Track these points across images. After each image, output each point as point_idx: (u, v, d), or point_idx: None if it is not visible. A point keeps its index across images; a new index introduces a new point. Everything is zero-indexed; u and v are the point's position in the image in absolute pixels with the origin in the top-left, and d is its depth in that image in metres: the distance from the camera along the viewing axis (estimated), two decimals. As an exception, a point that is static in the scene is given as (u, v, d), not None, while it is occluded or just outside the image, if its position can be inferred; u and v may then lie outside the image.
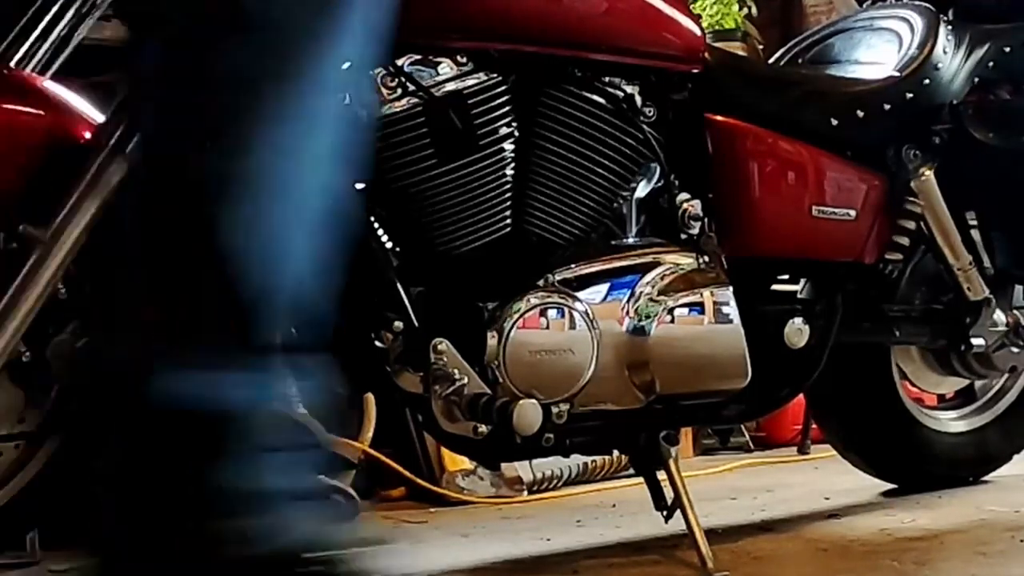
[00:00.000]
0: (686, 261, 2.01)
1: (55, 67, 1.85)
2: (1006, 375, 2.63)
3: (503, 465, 2.99)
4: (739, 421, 2.42)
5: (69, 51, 1.86)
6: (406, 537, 2.49)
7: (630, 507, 2.75)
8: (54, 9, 1.82)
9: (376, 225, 1.84)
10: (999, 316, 2.45)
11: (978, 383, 2.71)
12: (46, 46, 1.80)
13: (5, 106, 1.65)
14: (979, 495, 2.54)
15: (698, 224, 2.04)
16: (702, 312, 1.99)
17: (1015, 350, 2.46)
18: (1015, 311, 2.50)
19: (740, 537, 2.19)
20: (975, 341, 2.41)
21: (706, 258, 2.03)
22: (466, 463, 2.96)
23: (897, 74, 2.29)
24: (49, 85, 1.76)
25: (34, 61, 1.80)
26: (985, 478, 2.72)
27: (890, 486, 2.63)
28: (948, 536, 2.08)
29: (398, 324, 1.81)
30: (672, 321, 1.96)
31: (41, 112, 1.68)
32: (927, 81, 2.27)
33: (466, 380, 1.80)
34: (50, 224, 1.60)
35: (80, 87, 1.91)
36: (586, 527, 2.52)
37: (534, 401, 1.81)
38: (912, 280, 2.42)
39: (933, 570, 1.84)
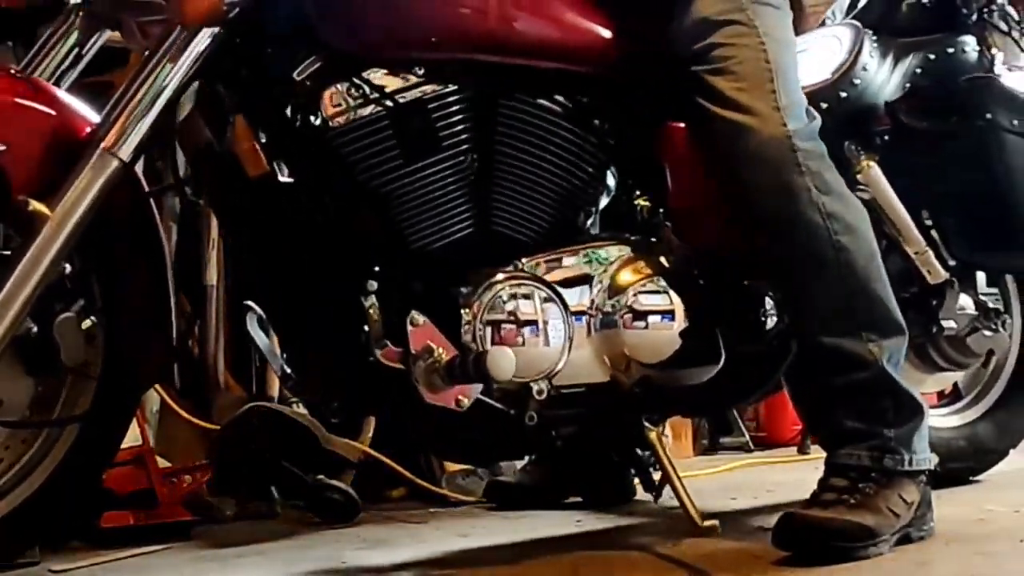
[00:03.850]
0: (649, 252, 2.14)
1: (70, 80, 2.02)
2: (988, 374, 2.75)
3: (503, 465, 2.99)
4: (721, 406, 2.49)
5: (83, 65, 2.03)
6: (406, 537, 2.49)
7: (630, 507, 2.76)
8: (65, 26, 2.00)
9: (351, 223, 1.94)
10: (966, 300, 2.55)
11: (963, 382, 2.78)
12: (59, 59, 1.98)
13: (23, 103, 1.83)
14: (979, 495, 2.54)
15: (655, 219, 2.19)
16: (667, 296, 2.11)
17: (988, 333, 2.56)
18: (983, 296, 2.59)
19: (740, 537, 2.19)
20: (946, 324, 2.51)
21: (667, 249, 2.15)
22: (466, 463, 2.97)
23: (830, 76, 2.44)
24: (59, 92, 1.93)
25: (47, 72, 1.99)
26: (985, 478, 2.73)
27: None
28: (948, 536, 2.07)
29: (373, 302, 1.92)
30: (638, 305, 2.08)
31: (52, 112, 1.84)
32: (857, 81, 2.44)
33: (443, 350, 1.91)
34: (57, 202, 1.72)
35: (80, 87, 2.04)
36: (586, 527, 2.52)
37: (505, 348, 1.91)
38: None
39: (933, 570, 1.84)
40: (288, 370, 2.07)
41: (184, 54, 1.80)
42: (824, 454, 2.12)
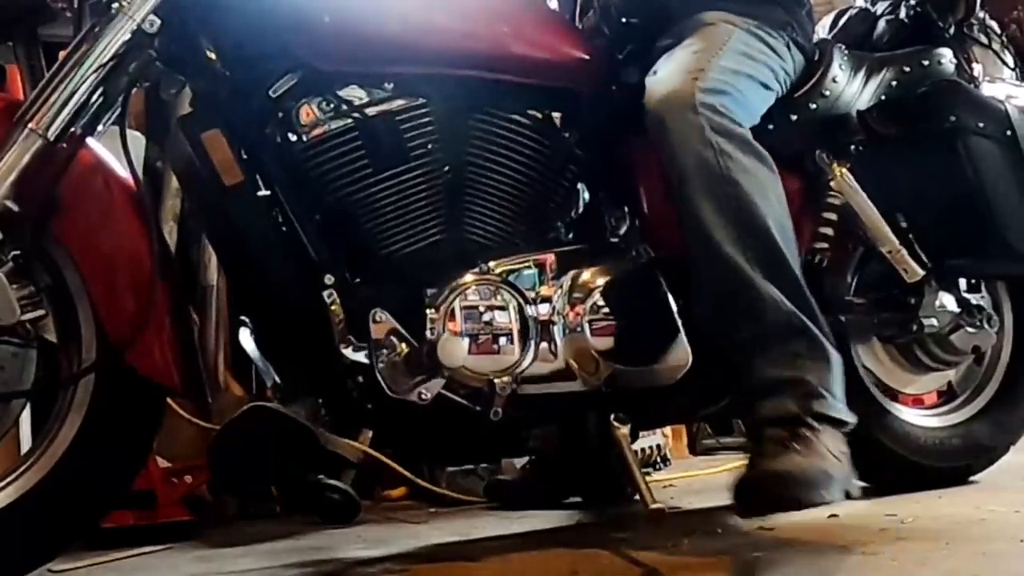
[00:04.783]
0: (616, 257, 2.23)
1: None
2: (982, 372, 2.77)
3: (503, 464, 3.00)
4: (692, 409, 2.52)
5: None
6: (406, 537, 2.50)
7: (630, 507, 2.76)
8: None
9: (317, 230, 2.02)
10: (947, 298, 2.55)
11: (956, 381, 2.79)
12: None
13: None
14: (979, 495, 2.54)
15: (624, 227, 2.26)
16: (634, 296, 2.18)
17: (971, 330, 2.56)
18: (965, 294, 2.59)
19: (740, 537, 2.19)
20: (926, 322, 2.52)
21: (635, 254, 2.22)
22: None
23: (800, 90, 2.45)
24: None
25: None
26: (985, 477, 2.73)
27: (890, 486, 2.63)
28: (948, 536, 2.08)
29: (336, 298, 1.99)
30: (603, 307, 2.15)
31: None
32: (827, 92, 2.45)
33: (404, 346, 1.99)
34: None
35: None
36: (586, 527, 2.52)
37: (456, 336, 2.02)
38: (860, 284, 2.57)
39: (933, 570, 1.84)
40: (278, 380, 2.11)
41: (104, 40, 1.88)
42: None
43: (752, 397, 2.07)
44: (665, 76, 2.16)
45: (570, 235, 2.26)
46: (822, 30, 2.71)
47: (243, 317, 2.19)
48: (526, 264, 2.15)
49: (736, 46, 2.23)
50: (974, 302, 2.59)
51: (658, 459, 3.44)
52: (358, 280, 2.03)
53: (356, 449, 2.87)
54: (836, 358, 2.08)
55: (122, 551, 2.42)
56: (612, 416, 2.18)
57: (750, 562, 1.98)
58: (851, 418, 2.06)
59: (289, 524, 2.73)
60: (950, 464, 2.69)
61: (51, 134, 1.85)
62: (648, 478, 2.97)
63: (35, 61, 2.89)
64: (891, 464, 2.63)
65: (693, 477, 3.25)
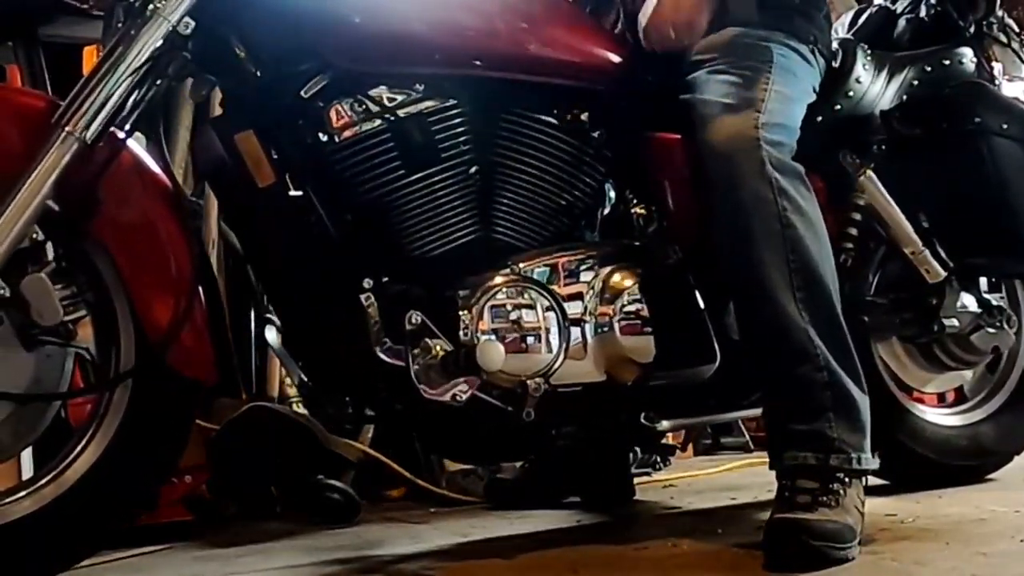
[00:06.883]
0: (644, 257, 2.23)
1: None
2: (995, 379, 2.77)
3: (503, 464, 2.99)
4: (722, 406, 2.51)
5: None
6: (406, 537, 2.49)
7: (630, 507, 2.76)
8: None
9: (349, 231, 2.02)
10: (968, 299, 2.56)
11: (968, 386, 2.79)
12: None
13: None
14: (979, 495, 2.54)
15: (651, 226, 2.26)
16: (662, 296, 2.19)
17: (992, 330, 2.57)
18: (986, 295, 2.60)
19: (740, 537, 2.19)
20: (947, 323, 2.52)
21: (663, 253, 2.22)
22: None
23: (824, 91, 2.43)
24: None
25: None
26: (986, 477, 2.73)
27: (892, 485, 2.63)
28: (948, 536, 2.08)
29: (372, 300, 1.99)
30: (633, 307, 2.17)
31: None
32: (851, 93, 2.47)
33: (440, 347, 2.00)
34: (24, 179, 1.83)
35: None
36: (586, 527, 2.52)
37: (494, 340, 2.02)
38: (881, 284, 2.58)
39: (933, 570, 1.84)
40: (306, 379, 2.12)
41: (140, 43, 1.89)
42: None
43: (778, 445, 2.06)
44: (723, 109, 2.13)
45: (598, 235, 2.27)
46: (841, 28, 2.70)
47: (269, 316, 2.19)
48: (556, 265, 2.16)
49: (781, 63, 2.22)
50: (994, 303, 2.60)
51: (658, 459, 3.43)
52: (389, 281, 2.03)
53: (356, 449, 2.87)
54: (863, 403, 2.07)
55: (122, 551, 2.42)
56: (642, 415, 2.19)
57: (750, 562, 1.98)
58: (874, 465, 2.06)
59: (289, 524, 2.73)
60: (956, 463, 2.68)
61: (88, 137, 1.85)
62: (648, 478, 3.00)
63: (35, 61, 2.89)
64: (904, 459, 2.62)
65: (693, 477, 3.25)
